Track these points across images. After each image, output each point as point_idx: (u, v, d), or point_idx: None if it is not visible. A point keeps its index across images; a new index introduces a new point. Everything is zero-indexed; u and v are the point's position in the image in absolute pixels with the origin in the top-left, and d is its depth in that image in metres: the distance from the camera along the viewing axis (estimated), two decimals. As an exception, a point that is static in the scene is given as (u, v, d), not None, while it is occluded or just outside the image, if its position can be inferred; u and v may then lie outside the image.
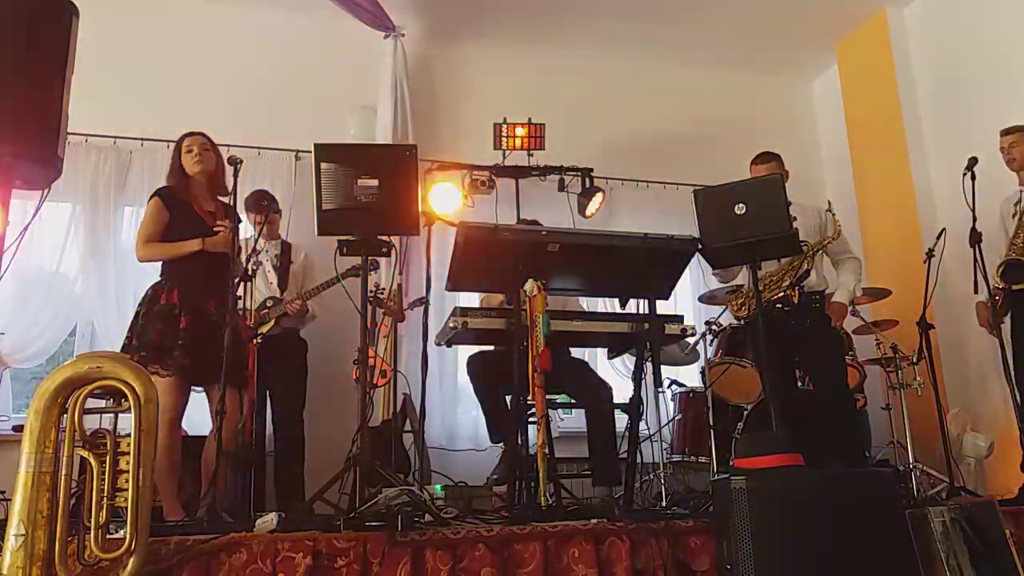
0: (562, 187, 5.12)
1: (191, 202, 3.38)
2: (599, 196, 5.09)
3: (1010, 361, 3.46)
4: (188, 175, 3.39)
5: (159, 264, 3.38)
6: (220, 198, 3.48)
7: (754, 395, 4.03)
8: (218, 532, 2.19)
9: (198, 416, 3.63)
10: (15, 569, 1.73)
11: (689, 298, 5.27)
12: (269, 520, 2.32)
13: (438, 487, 3.24)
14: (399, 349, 4.40)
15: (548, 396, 2.96)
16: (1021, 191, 3.82)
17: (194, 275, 3.26)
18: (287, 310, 3.91)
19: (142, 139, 4.68)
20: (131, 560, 1.83)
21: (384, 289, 4.21)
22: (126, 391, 1.88)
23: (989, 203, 3.86)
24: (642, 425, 3.28)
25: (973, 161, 3.55)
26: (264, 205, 3.96)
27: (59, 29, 1.90)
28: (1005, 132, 3.87)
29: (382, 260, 4.22)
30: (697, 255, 3.11)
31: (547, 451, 2.76)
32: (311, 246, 4.14)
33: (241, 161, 3.14)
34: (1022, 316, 3.58)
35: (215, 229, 3.32)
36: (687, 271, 3.30)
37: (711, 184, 3.18)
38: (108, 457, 1.87)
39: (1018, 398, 3.34)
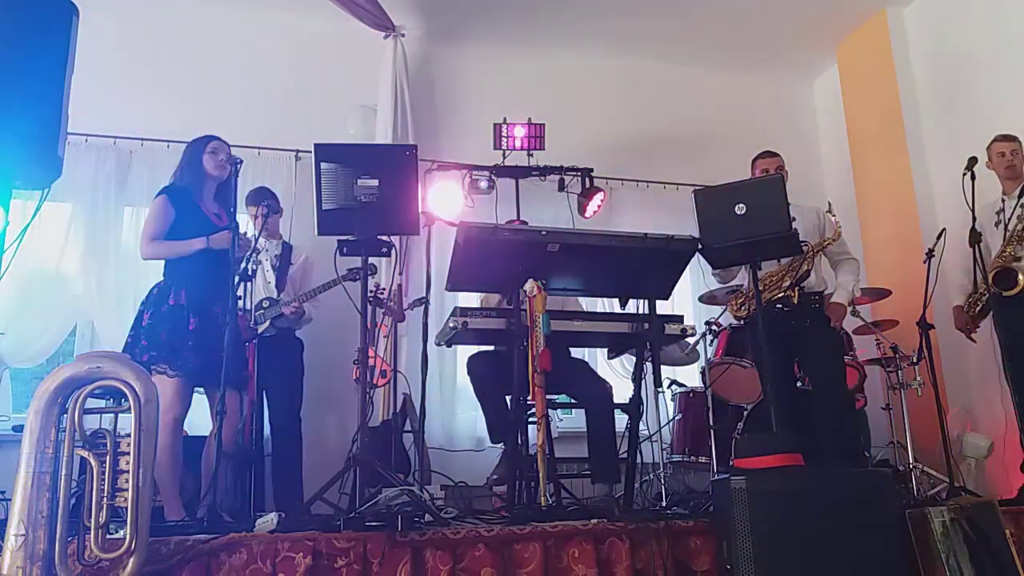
0: (562, 187, 5.12)
1: (198, 201, 3.38)
2: (599, 196, 5.09)
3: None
4: (204, 175, 3.40)
5: (161, 263, 3.38)
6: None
7: (754, 395, 4.03)
8: (218, 532, 2.19)
9: (198, 416, 3.63)
10: (15, 569, 1.73)
11: (689, 298, 5.27)
12: (269, 520, 2.33)
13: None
14: (399, 349, 4.40)
15: (548, 396, 2.96)
16: (1003, 199, 3.83)
17: (200, 276, 3.26)
18: (284, 312, 3.90)
19: (142, 139, 4.68)
20: (131, 560, 1.83)
21: (384, 289, 4.21)
22: (126, 391, 1.88)
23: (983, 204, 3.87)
24: (642, 425, 3.29)
25: (973, 161, 3.55)
26: (264, 204, 3.96)
27: (59, 29, 1.91)
28: (1005, 138, 3.86)
29: (382, 260, 4.21)
30: (697, 255, 3.11)
31: (547, 451, 2.76)
32: (312, 246, 4.14)
33: (241, 161, 3.14)
34: (1015, 320, 3.58)
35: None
36: (687, 271, 3.30)
37: (711, 184, 3.18)
38: (108, 457, 1.87)
39: (1017, 398, 3.35)
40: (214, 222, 3.36)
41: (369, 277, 3.10)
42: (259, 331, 3.83)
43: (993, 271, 3.68)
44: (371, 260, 3.23)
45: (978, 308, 3.83)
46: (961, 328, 3.92)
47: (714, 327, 4.22)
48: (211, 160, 3.38)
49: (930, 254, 3.79)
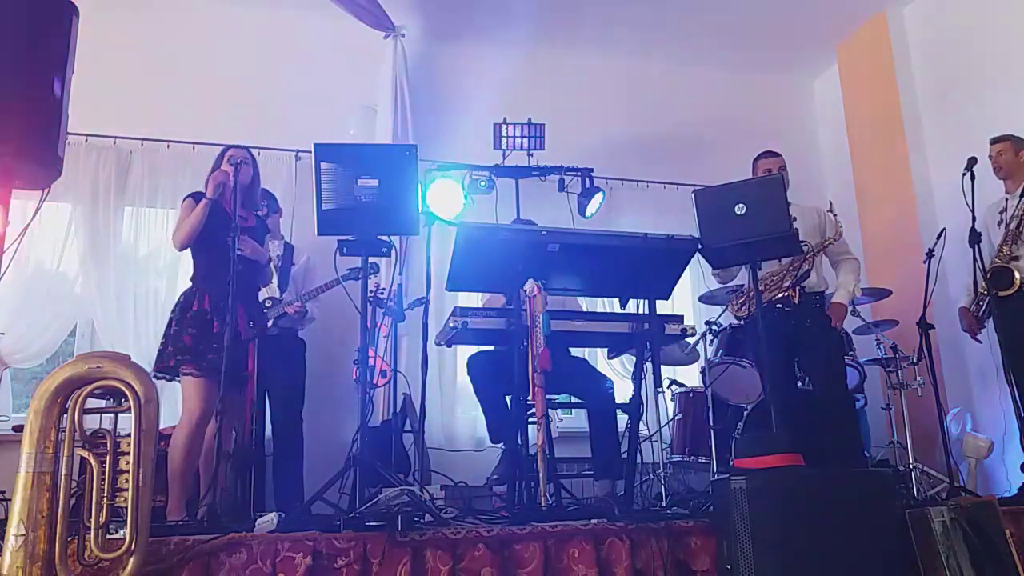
0: (562, 187, 5.10)
1: (223, 203, 3.40)
2: (599, 196, 5.09)
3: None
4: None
5: (173, 268, 3.41)
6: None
7: (754, 395, 4.03)
8: (218, 532, 2.19)
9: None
10: (15, 569, 1.73)
11: (689, 298, 5.27)
12: (269, 520, 2.33)
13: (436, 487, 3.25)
14: (399, 349, 4.40)
15: (548, 396, 2.96)
16: (1006, 199, 3.84)
17: (224, 281, 3.27)
18: (286, 311, 3.91)
19: (142, 139, 4.68)
20: (131, 560, 1.83)
21: (384, 289, 4.21)
22: (126, 391, 1.88)
23: (989, 203, 3.88)
24: (642, 425, 3.28)
25: (973, 161, 3.56)
26: (263, 205, 3.97)
27: (59, 29, 1.91)
28: (994, 141, 3.90)
29: (382, 260, 4.21)
30: (697, 255, 3.11)
31: (547, 451, 2.76)
32: (313, 246, 4.14)
33: (241, 161, 3.15)
34: (1012, 320, 3.58)
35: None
36: (687, 271, 3.30)
37: (711, 184, 3.17)
38: (108, 457, 1.87)
39: (1017, 398, 3.35)
40: (240, 224, 3.38)
41: (371, 276, 3.10)
42: (261, 331, 3.84)
43: (989, 271, 3.69)
44: (372, 260, 3.24)
45: (983, 308, 3.83)
46: (968, 329, 3.92)
47: (714, 327, 4.22)
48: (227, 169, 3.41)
49: (930, 254, 3.79)
